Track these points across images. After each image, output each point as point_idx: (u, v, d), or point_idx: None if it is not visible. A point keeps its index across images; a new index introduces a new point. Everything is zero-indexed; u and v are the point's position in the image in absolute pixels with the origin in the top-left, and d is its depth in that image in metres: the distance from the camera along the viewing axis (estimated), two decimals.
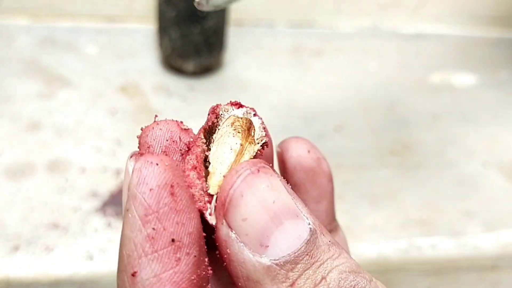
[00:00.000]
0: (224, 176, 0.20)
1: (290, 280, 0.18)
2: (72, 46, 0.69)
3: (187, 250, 0.18)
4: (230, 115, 0.23)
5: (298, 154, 0.26)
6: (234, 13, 0.72)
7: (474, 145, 0.62)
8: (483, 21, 0.84)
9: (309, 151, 0.26)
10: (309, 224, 0.19)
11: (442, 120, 0.65)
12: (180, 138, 0.22)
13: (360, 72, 0.72)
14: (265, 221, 0.18)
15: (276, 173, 0.20)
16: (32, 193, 0.49)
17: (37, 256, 0.44)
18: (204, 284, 0.19)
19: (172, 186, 0.18)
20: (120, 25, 0.75)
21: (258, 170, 0.19)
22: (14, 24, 0.72)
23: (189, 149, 0.21)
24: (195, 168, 0.20)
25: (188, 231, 0.18)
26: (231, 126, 0.23)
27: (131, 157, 0.20)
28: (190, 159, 0.21)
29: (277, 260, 0.18)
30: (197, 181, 0.20)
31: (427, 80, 0.73)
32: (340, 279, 0.18)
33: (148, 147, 0.21)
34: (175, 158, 0.21)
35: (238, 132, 0.22)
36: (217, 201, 0.19)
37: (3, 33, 0.70)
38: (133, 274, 0.18)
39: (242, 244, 0.18)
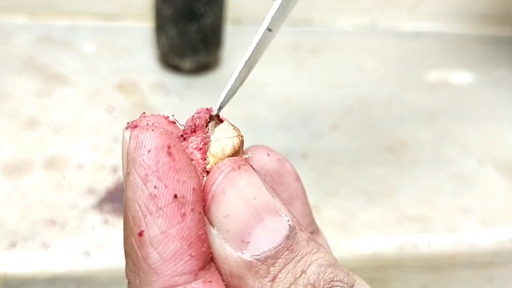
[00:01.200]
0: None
1: (272, 275, 0.18)
2: (69, 44, 0.70)
3: (192, 207, 0.19)
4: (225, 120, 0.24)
5: (258, 158, 0.25)
6: (232, 11, 0.72)
7: (471, 143, 0.62)
8: (480, 19, 0.84)
9: (268, 154, 0.26)
10: (288, 220, 0.19)
11: (438, 118, 0.65)
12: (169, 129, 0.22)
13: (358, 70, 0.73)
14: (246, 217, 0.19)
15: (256, 171, 0.20)
16: (29, 190, 0.49)
17: (34, 252, 0.44)
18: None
19: (169, 147, 0.19)
20: (118, 23, 0.75)
21: (239, 167, 0.20)
22: (11, 22, 0.72)
23: (194, 131, 0.22)
24: (200, 149, 0.21)
25: (191, 187, 0.19)
26: (232, 127, 0.23)
27: (126, 128, 0.21)
28: (194, 140, 0.21)
29: (258, 255, 0.18)
30: (201, 161, 0.20)
31: (424, 78, 0.73)
32: (319, 272, 0.19)
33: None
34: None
35: (240, 135, 0.23)
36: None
37: (0, 31, 0.70)
38: (140, 234, 0.18)
39: (223, 240, 0.19)
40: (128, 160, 0.19)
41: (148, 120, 0.22)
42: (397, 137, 0.61)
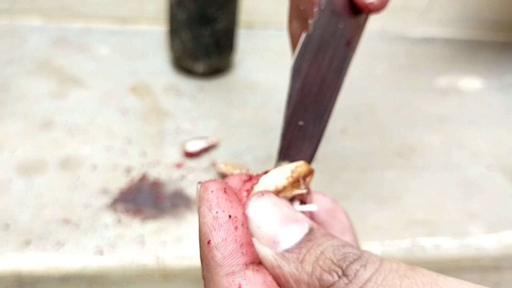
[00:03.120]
0: None
1: (300, 259, 0.25)
2: (84, 46, 0.71)
3: (241, 223, 0.26)
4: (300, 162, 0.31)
5: (316, 198, 0.34)
6: (244, 15, 0.73)
7: (479, 148, 0.62)
8: (490, 26, 0.84)
9: (323, 195, 0.34)
10: (309, 225, 0.26)
11: (447, 123, 0.66)
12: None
13: (368, 75, 0.73)
14: (272, 226, 0.26)
15: (281, 198, 0.28)
16: (44, 189, 0.50)
17: (48, 251, 0.45)
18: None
19: (224, 188, 0.27)
20: (132, 27, 0.76)
21: (263, 194, 0.28)
22: (27, 25, 0.73)
23: (250, 179, 0.30)
24: (248, 191, 0.29)
25: (241, 211, 0.27)
26: (290, 171, 0.30)
27: (198, 183, 0.28)
28: (247, 185, 0.29)
29: (286, 248, 0.25)
30: (245, 199, 0.28)
31: (434, 83, 0.73)
32: (333, 249, 0.24)
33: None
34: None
35: (290, 179, 0.30)
36: None
37: (16, 33, 0.72)
38: (208, 242, 0.25)
39: (262, 244, 0.26)
40: (199, 199, 0.27)
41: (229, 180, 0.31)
42: (406, 141, 0.62)
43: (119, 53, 0.70)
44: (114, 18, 0.76)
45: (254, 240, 0.26)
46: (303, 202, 0.31)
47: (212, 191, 0.27)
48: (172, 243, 0.46)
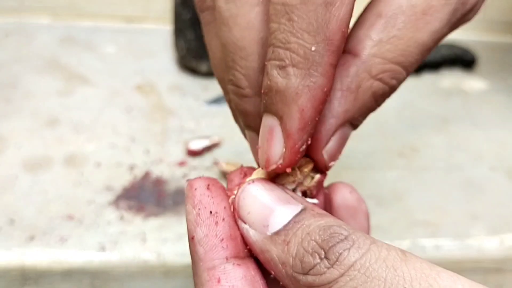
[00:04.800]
0: None
1: (286, 241, 0.25)
2: (91, 45, 0.71)
3: (222, 217, 0.27)
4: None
5: (342, 194, 0.33)
6: None
7: (482, 149, 0.62)
8: (495, 27, 0.84)
9: (350, 192, 0.34)
10: (302, 205, 0.26)
11: (451, 124, 0.66)
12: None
13: None
14: (261, 211, 0.26)
15: (271, 183, 0.28)
16: (48, 186, 0.51)
17: (51, 246, 0.45)
18: (239, 240, 0.27)
19: (208, 185, 0.28)
20: (138, 26, 0.77)
21: (253, 181, 0.28)
22: (35, 23, 0.74)
23: (245, 175, 0.31)
24: (240, 184, 0.29)
25: (222, 206, 0.27)
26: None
27: (187, 180, 0.29)
28: (244, 179, 0.30)
29: (275, 231, 0.25)
30: (235, 191, 0.29)
31: (438, 84, 0.73)
32: (319, 231, 0.24)
33: (231, 181, 0.31)
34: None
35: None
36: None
37: (25, 31, 0.72)
38: (192, 238, 0.27)
39: (252, 229, 0.26)
40: (186, 196, 0.28)
41: (239, 171, 0.32)
42: (409, 142, 0.62)
43: (125, 51, 0.71)
44: (120, 17, 0.77)
45: (245, 226, 0.27)
46: (307, 195, 0.31)
47: (195, 189, 0.28)
48: (173, 240, 0.47)
